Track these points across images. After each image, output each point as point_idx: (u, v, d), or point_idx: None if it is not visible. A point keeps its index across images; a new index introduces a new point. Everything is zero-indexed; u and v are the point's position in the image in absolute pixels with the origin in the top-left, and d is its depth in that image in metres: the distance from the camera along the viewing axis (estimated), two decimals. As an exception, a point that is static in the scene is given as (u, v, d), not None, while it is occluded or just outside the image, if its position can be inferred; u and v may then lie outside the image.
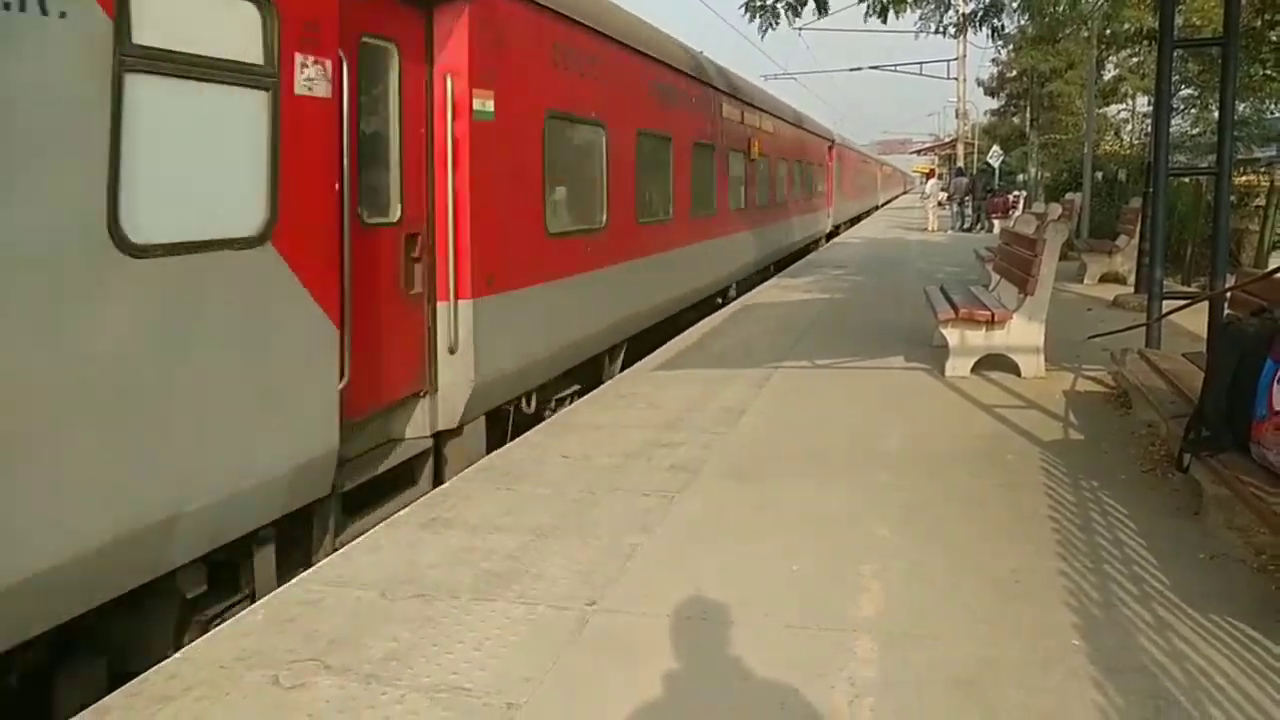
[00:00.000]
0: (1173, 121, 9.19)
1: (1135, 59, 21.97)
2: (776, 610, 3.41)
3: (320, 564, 3.95)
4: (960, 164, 35.00)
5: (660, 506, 4.51)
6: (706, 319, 10.67)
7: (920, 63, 40.44)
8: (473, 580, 3.74)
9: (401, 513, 4.59)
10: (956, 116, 36.88)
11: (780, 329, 9.74)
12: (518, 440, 5.87)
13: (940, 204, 29.19)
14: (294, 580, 3.78)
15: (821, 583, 3.65)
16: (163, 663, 3.12)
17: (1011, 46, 26.77)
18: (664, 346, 8.89)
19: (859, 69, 35.97)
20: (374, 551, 4.07)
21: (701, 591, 3.56)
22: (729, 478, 4.94)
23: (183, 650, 3.21)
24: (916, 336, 8.83)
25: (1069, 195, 17.22)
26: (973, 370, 7.33)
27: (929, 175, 34.20)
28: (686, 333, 9.71)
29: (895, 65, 39.01)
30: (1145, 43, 17.89)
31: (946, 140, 48.78)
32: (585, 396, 7.01)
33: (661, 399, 6.71)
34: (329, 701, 2.86)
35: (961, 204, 27.84)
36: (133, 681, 3.00)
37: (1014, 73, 34.01)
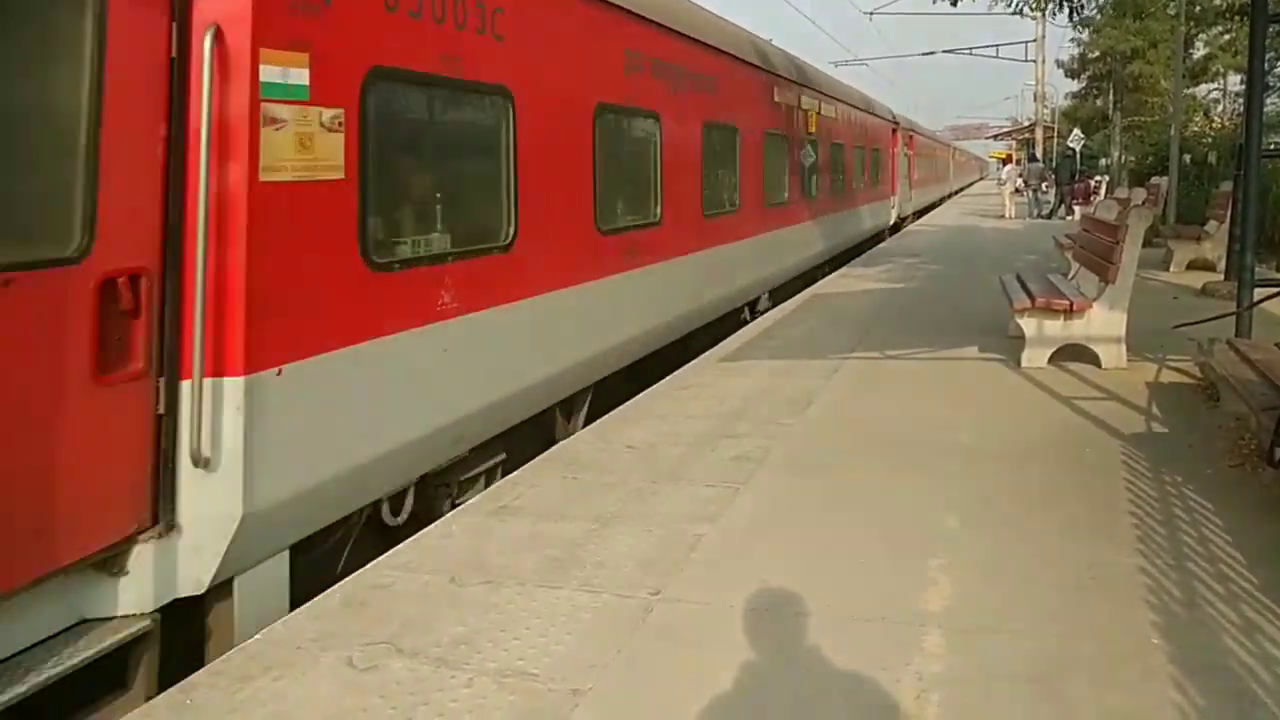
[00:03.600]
0: (1267, 100, 8.73)
1: (1227, 35, 20.97)
2: (842, 602, 3.38)
3: (394, 550, 4.05)
4: (1037, 149, 33.94)
5: (725, 497, 4.50)
6: (773, 310, 10.58)
7: (996, 45, 39.32)
8: (538, 567, 3.79)
9: (471, 500, 4.68)
10: (1035, 100, 35.73)
11: (849, 319, 9.60)
12: (583, 430, 5.93)
13: (1017, 190, 28.35)
14: (368, 565, 3.89)
15: (889, 575, 3.60)
16: (244, 643, 3.25)
17: (1092, 27, 25.83)
18: (730, 338, 8.85)
19: (932, 53, 35.11)
20: (444, 538, 4.17)
21: (766, 582, 3.55)
22: (795, 469, 4.91)
23: (262, 632, 3.33)
24: (992, 326, 8.60)
25: (1154, 179, 16.54)
26: (1050, 361, 7.12)
27: (1006, 161, 33.19)
28: (753, 324, 9.64)
29: (970, 48, 37.90)
30: (1237, 18, 17.05)
31: (1025, 124, 47.32)
32: (649, 389, 6.96)
33: (726, 390, 6.69)
34: (400, 683, 2.94)
35: (1037, 190, 26.97)
36: (216, 660, 3.13)
37: (1095, 54, 32.81)
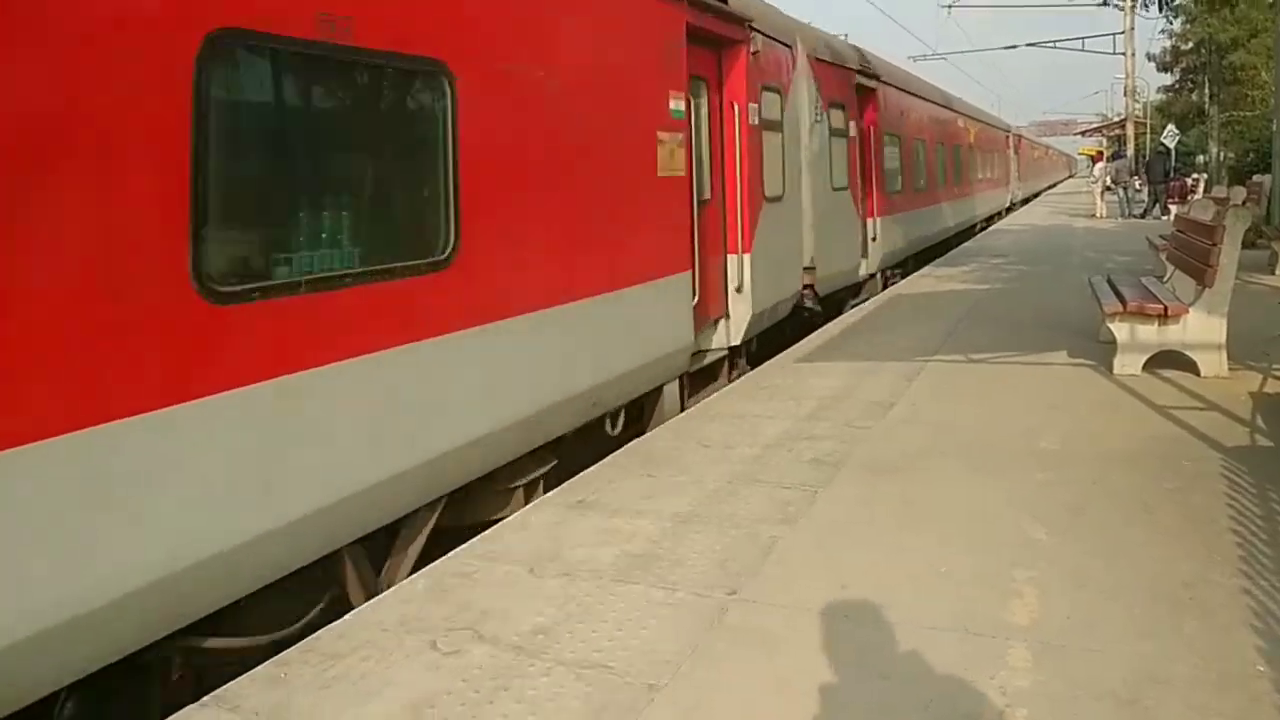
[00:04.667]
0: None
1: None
2: (923, 611, 3.32)
3: (474, 540, 4.14)
4: (1128, 145, 32.60)
5: (802, 500, 4.46)
6: (852, 310, 10.44)
7: (1082, 38, 37.80)
8: (614, 561, 3.83)
9: (549, 494, 4.74)
10: (1125, 94, 34.29)
11: (932, 320, 9.40)
12: (659, 428, 5.95)
13: (1107, 188, 27.31)
14: (450, 554, 3.98)
15: (972, 585, 3.52)
16: (332, 624, 3.36)
17: (1185, 17, 24.68)
18: (808, 338, 8.77)
19: (1014, 46, 34.13)
20: (523, 529, 4.24)
21: (844, 588, 3.51)
22: (875, 472, 4.84)
23: (350, 613, 3.45)
24: (1082, 330, 8.32)
25: (1256, 177, 15.74)
26: (1144, 368, 6.85)
27: (1096, 158, 32.02)
28: (829, 325, 9.52)
29: (1055, 41, 36.34)
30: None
31: (1115, 120, 45.49)
32: (725, 388, 7.02)
33: (803, 391, 6.63)
34: (481, 669, 3.01)
35: (1127, 188, 25.94)
36: (306, 639, 3.25)
37: (1189, 45, 31.33)
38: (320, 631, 3.29)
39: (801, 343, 8.55)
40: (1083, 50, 32.88)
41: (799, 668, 2.97)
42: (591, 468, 5.20)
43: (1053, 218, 26.16)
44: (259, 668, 3.08)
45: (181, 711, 2.83)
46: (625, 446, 5.53)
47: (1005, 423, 5.65)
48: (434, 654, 3.11)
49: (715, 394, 6.84)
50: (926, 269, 14.33)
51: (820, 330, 9.19)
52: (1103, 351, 7.31)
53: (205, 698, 2.89)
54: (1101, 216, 24.99)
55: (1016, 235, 20.33)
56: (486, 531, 4.25)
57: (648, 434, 5.82)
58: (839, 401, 6.27)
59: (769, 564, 3.76)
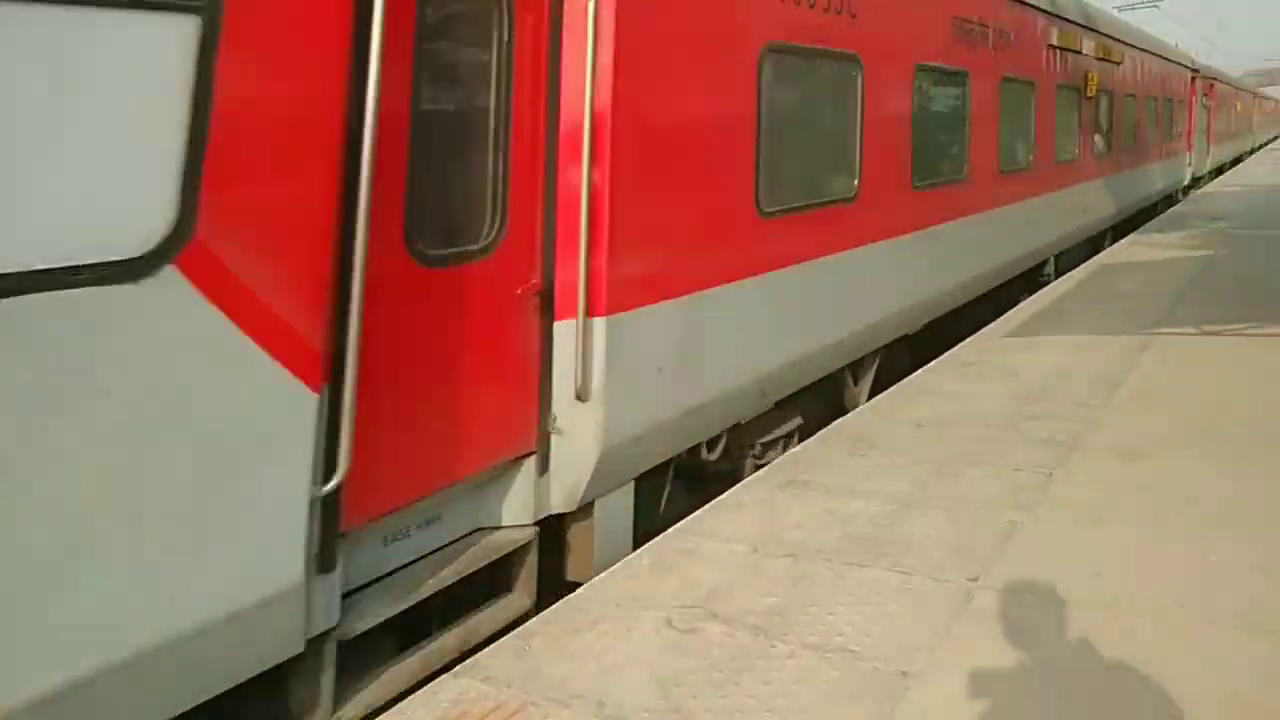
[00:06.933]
0: None
1: None
2: (1195, 605, 3.03)
3: (691, 516, 4.12)
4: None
5: (1036, 483, 4.18)
6: (1058, 280, 9.74)
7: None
8: (838, 544, 3.71)
9: (759, 473, 4.68)
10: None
11: (1151, 291, 8.63)
12: (862, 408, 5.75)
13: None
14: (669, 530, 3.98)
15: (1249, 577, 3.18)
16: (569, 596, 3.43)
17: None
18: (1014, 309, 8.24)
19: (1236, -14, 30.46)
20: (737, 509, 4.19)
21: (1101, 578, 3.25)
22: (1114, 455, 4.47)
23: (583, 587, 3.51)
24: (1335, 298, 7.41)
25: None
26: None
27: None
28: (1036, 296, 8.92)
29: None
30: None
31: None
32: (926, 366, 6.61)
33: (1018, 366, 6.23)
34: (721, 648, 2.98)
35: None
36: (548, 610, 3.34)
37: None
38: (558, 604, 3.37)
39: (1008, 314, 8.04)
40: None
41: (1057, 660, 2.77)
42: (797, 447, 5.09)
43: (1276, 177, 23.52)
44: (504, 639, 3.18)
45: (436, 681, 2.96)
46: (831, 425, 5.38)
47: (1254, 402, 5.11)
48: (671, 632, 3.11)
49: (918, 371, 6.54)
50: (1133, 235, 13.19)
51: (1026, 302, 8.62)
52: (1368, 321, 6.47)
53: (457, 667, 3.02)
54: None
55: (1233, 198, 18.41)
56: (701, 509, 4.23)
57: (851, 413, 5.63)
58: (1059, 377, 5.85)
59: (1011, 551, 3.53)
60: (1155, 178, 16.30)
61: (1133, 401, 5.28)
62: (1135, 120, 14.23)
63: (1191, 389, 5.45)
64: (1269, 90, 56.93)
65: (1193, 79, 20.62)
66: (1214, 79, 24.68)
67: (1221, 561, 3.31)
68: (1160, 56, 16.71)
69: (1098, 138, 11.94)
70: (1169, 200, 18.01)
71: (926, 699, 2.63)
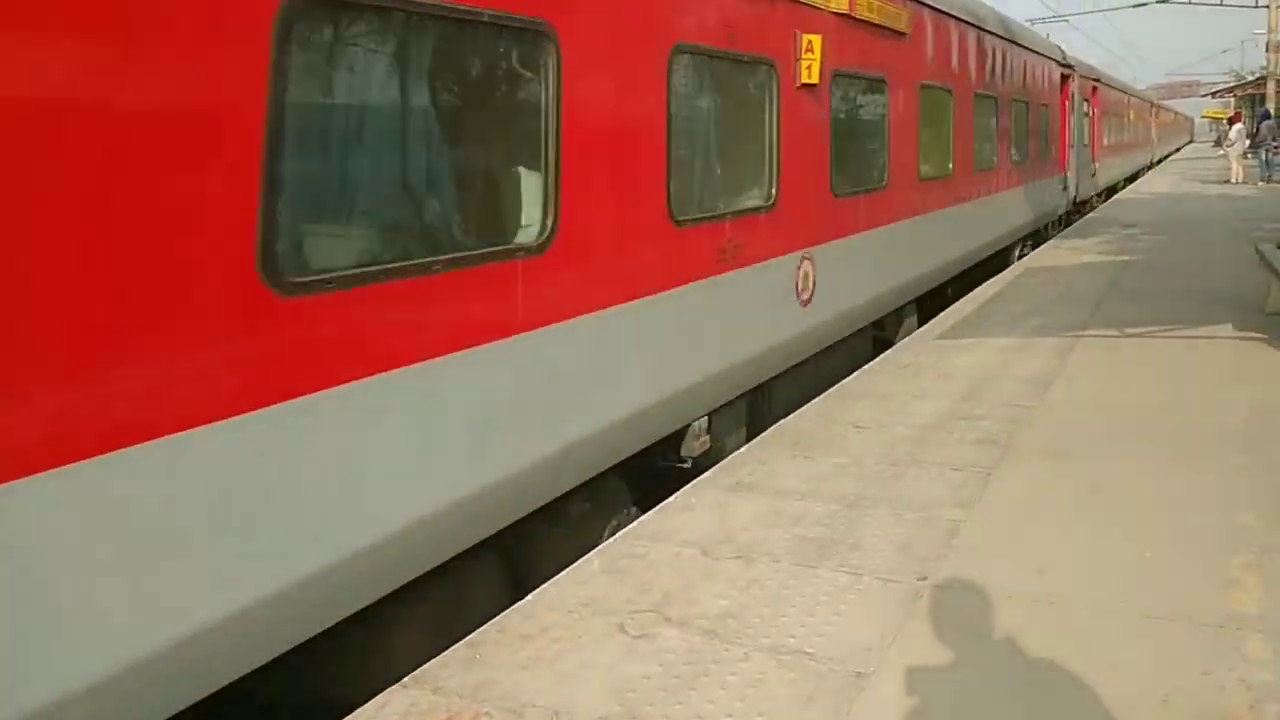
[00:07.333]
0: None
1: None
2: (1136, 601, 3.12)
3: (641, 519, 4.10)
4: (1270, 105, 30.35)
5: (975, 482, 4.27)
6: (986, 284, 10.02)
7: (1220, -10, 35.21)
8: (788, 545, 3.73)
9: (705, 475, 4.67)
10: (1268, 50, 31.91)
11: (1074, 294, 8.94)
12: (802, 409, 5.80)
13: (1245, 154, 25.51)
14: (619, 535, 3.95)
15: (1184, 573, 3.29)
16: (518, 603, 3.36)
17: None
18: (942, 314, 8.44)
19: (1144, 3, 31.89)
20: (687, 510, 4.17)
21: (1045, 575, 3.33)
22: (1047, 454, 4.59)
23: (532, 594, 3.45)
24: (1243, 303, 7.78)
25: None
26: (1327, 341, 6.33)
27: (1233, 120, 29.86)
28: (964, 300, 9.16)
29: (1189, -5, 33.82)
30: None
31: (1251, 79, 42.48)
32: (861, 368, 6.70)
33: (951, 368, 6.37)
34: (676, 653, 2.95)
35: (1269, 151, 24.18)
36: (496, 619, 3.26)
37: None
38: (508, 611, 3.29)
39: (938, 317, 8.23)
40: (1220, 5, 30.69)
41: (1009, 658, 2.82)
42: (740, 449, 5.11)
43: (1183, 185, 24.67)
44: (452, 649, 3.09)
45: (385, 692, 2.86)
46: (772, 428, 5.41)
47: (1181, 400, 5.31)
48: (624, 637, 3.07)
49: (853, 374, 6.63)
50: (1054, 240, 13.66)
51: (955, 305, 8.84)
52: (1273, 325, 6.81)
53: (405, 679, 2.92)
54: (1238, 181, 23.42)
55: (1145, 205, 19.22)
56: (650, 512, 4.20)
57: (791, 416, 5.67)
58: (991, 379, 6.00)
59: (955, 549, 3.59)
60: (1007, 212, 11.66)
61: (1063, 402, 5.44)
62: (952, 132, 9.06)
63: (1118, 389, 5.65)
64: (1171, 103, 59.68)
65: (1064, 79, 15.75)
66: (1096, 80, 20.24)
67: (1157, 558, 3.42)
68: (1007, 39, 11.30)
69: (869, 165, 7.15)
70: (1037, 237, 13.97)
71: (881, 699, 2.65)
